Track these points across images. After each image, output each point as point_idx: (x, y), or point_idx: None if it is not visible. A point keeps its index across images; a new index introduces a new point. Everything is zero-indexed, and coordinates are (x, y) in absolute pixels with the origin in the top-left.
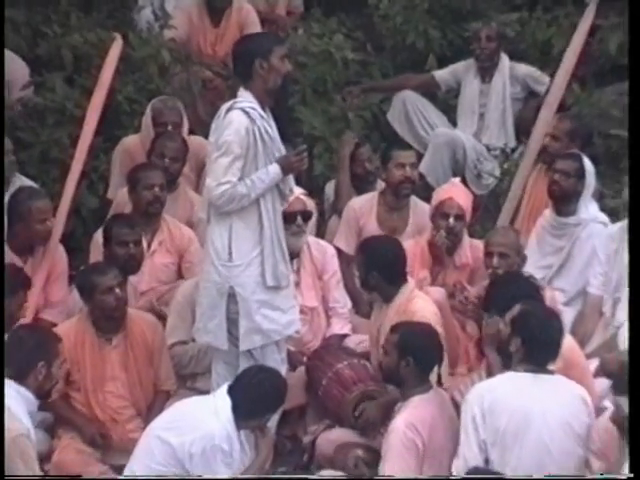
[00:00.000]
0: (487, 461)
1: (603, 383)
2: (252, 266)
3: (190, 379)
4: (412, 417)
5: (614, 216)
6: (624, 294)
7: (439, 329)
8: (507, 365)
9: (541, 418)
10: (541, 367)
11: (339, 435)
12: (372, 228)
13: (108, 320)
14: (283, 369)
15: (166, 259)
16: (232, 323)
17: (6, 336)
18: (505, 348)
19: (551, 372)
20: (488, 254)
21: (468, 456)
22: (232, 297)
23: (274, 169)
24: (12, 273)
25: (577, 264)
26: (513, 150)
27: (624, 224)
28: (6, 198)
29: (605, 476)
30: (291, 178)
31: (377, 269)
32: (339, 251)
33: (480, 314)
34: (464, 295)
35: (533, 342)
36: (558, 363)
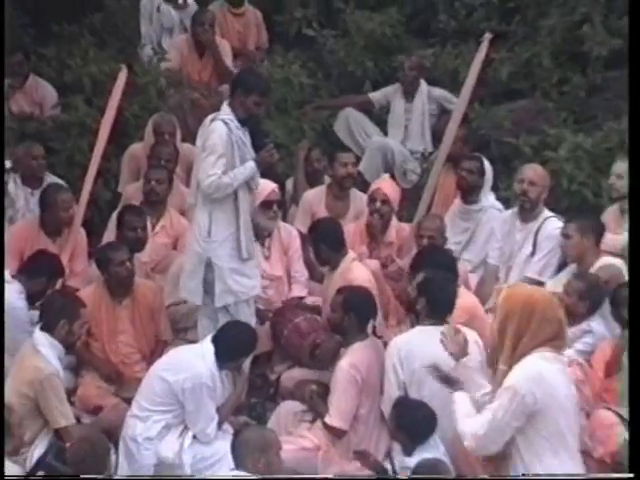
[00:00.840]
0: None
1: None
2: (226, 242)
3: (182, 332)
4: (353, 359)
5: (507, 204)
6: (515, 263)
7: (374, 291)
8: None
9: (445, 359)
10: (442, 320)
11: (298, 373)
12: (322, 213)
13: (119, 286)
14: (252, 321)
15: (165, 240)
16: (210, 286)
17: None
18: (414, 307)
19: (449, 323)
20: (420, 236)
21: (391, 393)
22: (209, 266)
23: (251, 164)
24: (55, 263)
25: (479, 241)
26: (430, 153)
27: (514, 210)
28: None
29: (605, 476)
30: (257, 177)
31: (323, 242)
32: (300, 233)
33: (406, 279)
34: (399, 266)
35: (435, 302)
36: (464, 316)
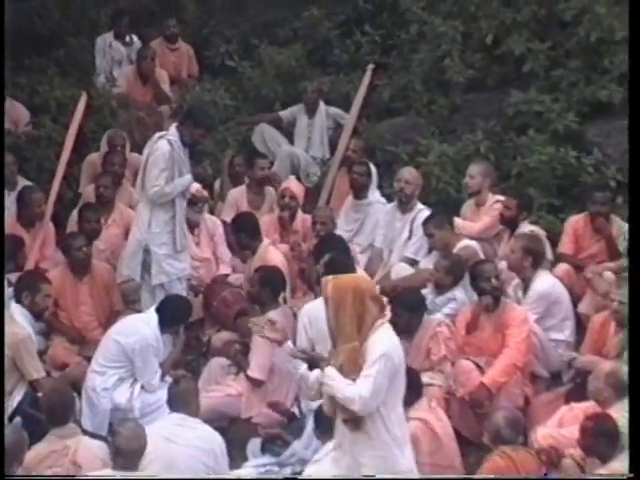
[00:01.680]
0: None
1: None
2: (162, 234)
3: (131, 303)
4: None
5: (389, 199)
6: (395, 246)
7: (284, 270)
8: None
9: None
10: None
11: (225, 335)
12: (244, 207)
13: (79, 267)
14: (184, 294)
15: (116, 230)
16: (148, 267)
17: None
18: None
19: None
20: (314, 223)
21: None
22: (148, 251)
23: (187, 177)
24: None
25: (367, 229)
26: (328, 159)
27: (394, 204)
28: (13, 196)
29: (605, 476)
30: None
31: (242, 231)
32: (225, 223)
33: (309, 260)
34: (304, 249)
35: None
36: None
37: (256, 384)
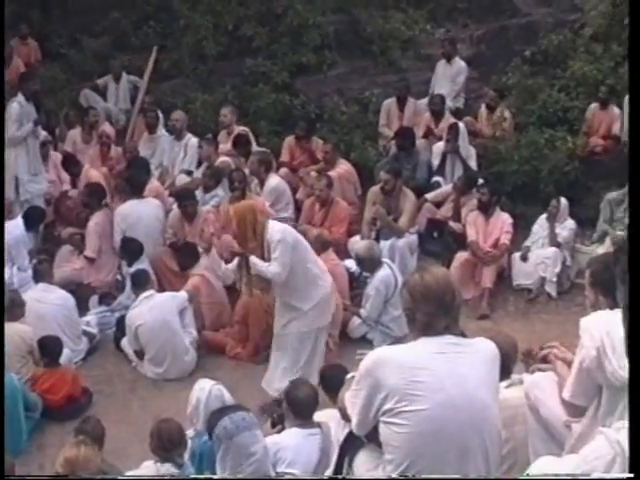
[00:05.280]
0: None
1: None
2: (23, 165)
3: (8, 213)
4: (97, 220)
5: (171, 133)
6: (176, 163)
7: (104, 184)
8: None
9: None
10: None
11: (69, 230)
12: (78, 142)
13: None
14: (43, 205)
15: None
16: (18, 189)
17: None
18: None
19: None
20: (124, 152)
21: (118, 232)
22: (16, 178)
23: (30, 125)
24: None
25: (158, 153)
26: (130, 110)
27: (173, 136)
28: None
29: (605, 476)
30: (39, 129)
31: (70, 164)
32: (67, 153)
33: (123, 176)
34: (116, 169)
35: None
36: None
37: (90, 261)
